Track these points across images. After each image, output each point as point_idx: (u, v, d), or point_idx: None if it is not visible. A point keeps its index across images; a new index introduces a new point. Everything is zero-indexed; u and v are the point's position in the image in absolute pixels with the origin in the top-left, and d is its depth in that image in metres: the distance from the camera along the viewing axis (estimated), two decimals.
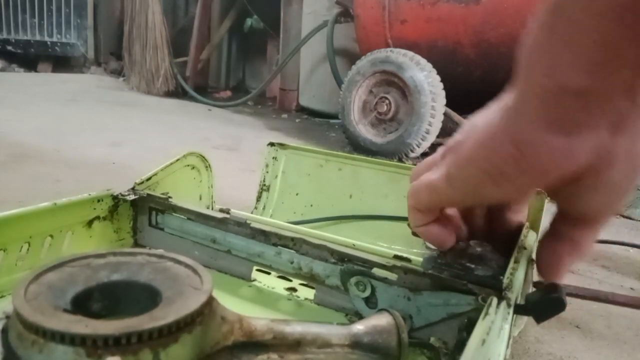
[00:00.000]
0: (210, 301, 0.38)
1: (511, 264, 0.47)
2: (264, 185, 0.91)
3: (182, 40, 3.43)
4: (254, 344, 0.40)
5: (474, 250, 0.53)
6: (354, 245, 0.70)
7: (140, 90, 3.25)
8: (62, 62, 3.74)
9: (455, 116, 1.80)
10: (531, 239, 0.55)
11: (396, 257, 0.64)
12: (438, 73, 1.76)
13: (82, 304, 0.37)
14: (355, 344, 0.43)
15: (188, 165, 0.80)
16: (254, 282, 0.66)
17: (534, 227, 0.65)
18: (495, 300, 0.41)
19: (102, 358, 0.30)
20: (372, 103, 1.89)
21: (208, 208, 0.84)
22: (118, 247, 0.70)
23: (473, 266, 0.50)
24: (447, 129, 1.87)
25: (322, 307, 0.60)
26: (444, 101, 1.76)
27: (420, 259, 0.61)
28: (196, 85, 3.33)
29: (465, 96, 1.87)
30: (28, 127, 1.82)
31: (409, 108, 1.79)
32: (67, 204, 0.63)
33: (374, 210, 0.82)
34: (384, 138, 1.86)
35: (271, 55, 3.64)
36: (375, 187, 0.82)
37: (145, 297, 0.38)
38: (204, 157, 0.82)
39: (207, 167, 0.83)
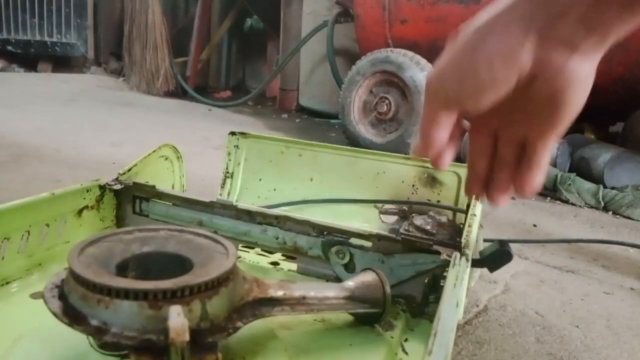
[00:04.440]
0: (235, 264, 0.44)
1: (466, 228, 0.57)
2: (227, 172, 0.94)
3: (182, 40, 3.43)
4: (268, 299, 0.47)
5: (433, 220, 0.66)
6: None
7: (140, 90, 3.25)
8: (62, 62, 3.74)
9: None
10: (479, 208, 0.64)
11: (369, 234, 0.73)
12: None
13: (122, 272, 0.42)
14: (349, 297, 0.51)
15: (162, 156, 0.85)
16: (239, 259, 0.70)
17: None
18: (458, 255, 0.50)
19: (161, 309, 0.36)
20: (372, 103, 1.89)
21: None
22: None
23: (435, 231, 0.63)
24: None
25: (305, 275, 0.68)
26: None
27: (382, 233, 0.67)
28: (196, 85, 3.33)
29: None
30: (28, 127, 1.82)
31: (409, 108, 1.79)
32: (62, 193, 0.66)
33: (333, 191, 0.88)
34: (384, 138, 1.86)
35: (271, 55, 3.64)
36: (333, 170, 0.88)
37: (175, 264, 0.44)
38: (175, 149, 0.87)
39: (178, 157, 0.88)
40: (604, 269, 0.96)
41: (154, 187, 0.72)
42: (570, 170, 1.61)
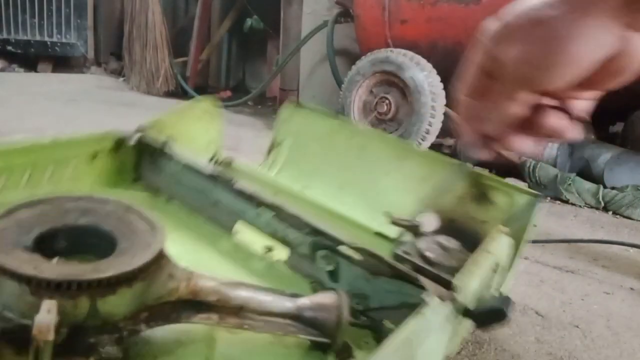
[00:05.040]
0: (158, 259, 0.40)
1: (468, 266, 0.47)
2: (276, 141, 0.90)
3: (182, 40, 3.43)
4: (198, 302, 0.42)
5: (438, 246, 0.56)
6: (341, 216, 0.72)
7: (140, 91, 3.25)
8: (62, 62, 3.74)
9: (456, 116, 1.79)
10: (501, 244, 0.53)
11: (377, 234, 0.68)
12: (438, 73, 1.76)
13: (46, 242, 0.40)
14: (297, 316, 0.45)
15: (198, 111, 0.82)
16: (236, 235, 0.68)
17: (521, 230, 0.64)
18: (436, 301, 0.42)
19: (43, 297, 0.34)
20: (372, 103, 1.89)
21: (215, 154, 0.85)
22: (117, 183, 0.75)
23: (437, 261, 0.52)
24: (447, 129, 1.86)
25: (291, 270, 0.62)
26: (444, 101, 1.76)
27: (401, 240, 0.62)
28: (196, 85, 3.33)
29: None
30: (28, 127, 1.81)
31: (409, 108, 1.79)
32: (69, 140, 0.67)
33: (375, 184, 0.81)
34: None
35: (271, 55, 3.64)
36: (379, 162, 0.80)
37: (104, 244, 0.41)
38: (214, 105, 0.83)
39: (216, 115, 0.84)
40: (604, 269, 0.96)
41: (164, 144, 0.71)
42: (570, 170, 1.61)
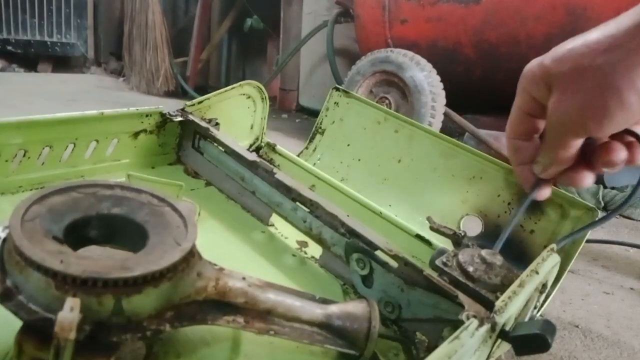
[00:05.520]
0: (188, 258, 0.39)
1: (513, 287, 0.44)
2: (320, 127, 0.90)
3: (182, 40, 3.43)
4: (225, 304, 0.41)
5: (481, 260, 0.51)
6: (380, 213, 0.70)
7: (140, 91, 3.25)
8: (62, 62, 3.74)
9: (455, 116, 1.80)
10: (549, 264, 0.50)
11: (417, 236, 0.66)
12: (438, 73, 1.76)
13: (77, 230, 0.40)
14: (325, 324, 0.43)
15: (243, 94, 0.83)
16: (270, 227, 0.68)
17: (571, 246, 0.59)
18: (474, 324, 0.39)
19: (68, 292, 0.33)
20: None
21: (257, 138, 0.87)
22: (157, 163, 0.77)
23: (478, 276, 0.48)
24: (447, 129, 1.87)
25: (323, 270, 0.61)
26: (444, 101, 1.76)
27: (441, 245, 0.60)
28: (196, 85, 3.33)
29: (465, 96, 1.86)
30: None
31: (409, 108, 1.79)
32: (114, 114, 0.67)
33: (418, 180, 0.77)
34: None
35: (271, 55, 3.64)
36: (425, 158, 0.77)
37: (136, 236, 0.40)
38: (261, 89, 0.85)
39: (263, 98, 0.85)
40: (604, 269, 0.96)
41: (207, 128, 0.71)
42: None
